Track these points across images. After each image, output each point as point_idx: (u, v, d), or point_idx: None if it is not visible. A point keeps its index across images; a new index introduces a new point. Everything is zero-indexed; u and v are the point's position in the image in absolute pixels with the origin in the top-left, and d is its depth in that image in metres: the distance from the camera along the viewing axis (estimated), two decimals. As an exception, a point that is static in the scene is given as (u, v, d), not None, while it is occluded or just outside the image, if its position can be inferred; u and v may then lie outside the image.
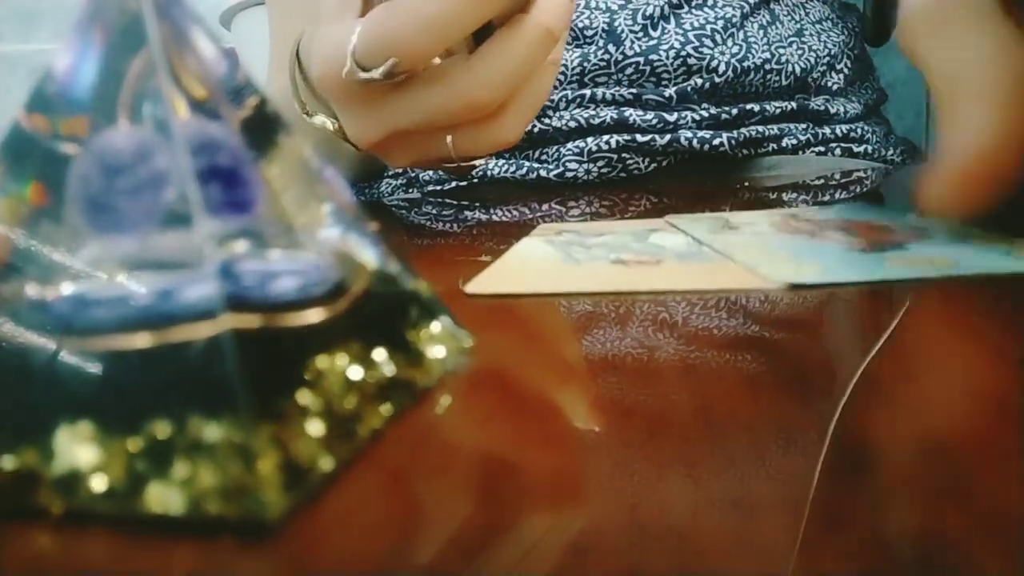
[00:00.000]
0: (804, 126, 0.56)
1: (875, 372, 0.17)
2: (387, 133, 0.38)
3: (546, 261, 0.29)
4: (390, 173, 0.62)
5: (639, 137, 0.53)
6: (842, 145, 0.57)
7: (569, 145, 0.54)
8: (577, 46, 0.56)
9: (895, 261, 0.24)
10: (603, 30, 0.55)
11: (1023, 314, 0.20)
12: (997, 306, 0.21)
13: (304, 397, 0.13)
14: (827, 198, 0.43)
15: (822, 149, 0.56)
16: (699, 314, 0.21)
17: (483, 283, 0.25)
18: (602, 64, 0.54)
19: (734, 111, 0.54)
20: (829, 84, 0.58)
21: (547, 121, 0.55)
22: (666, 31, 0.53)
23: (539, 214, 0.43)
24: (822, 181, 0.50)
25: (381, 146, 0.40)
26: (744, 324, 0.21)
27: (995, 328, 0.20)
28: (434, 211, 0.50)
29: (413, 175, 0.59)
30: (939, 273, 0.23)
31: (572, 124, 0.54)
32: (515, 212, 0.44)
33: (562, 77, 0.55)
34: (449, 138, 0.38)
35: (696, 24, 0.54)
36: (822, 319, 0.21)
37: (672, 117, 0.53)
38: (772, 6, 0.58)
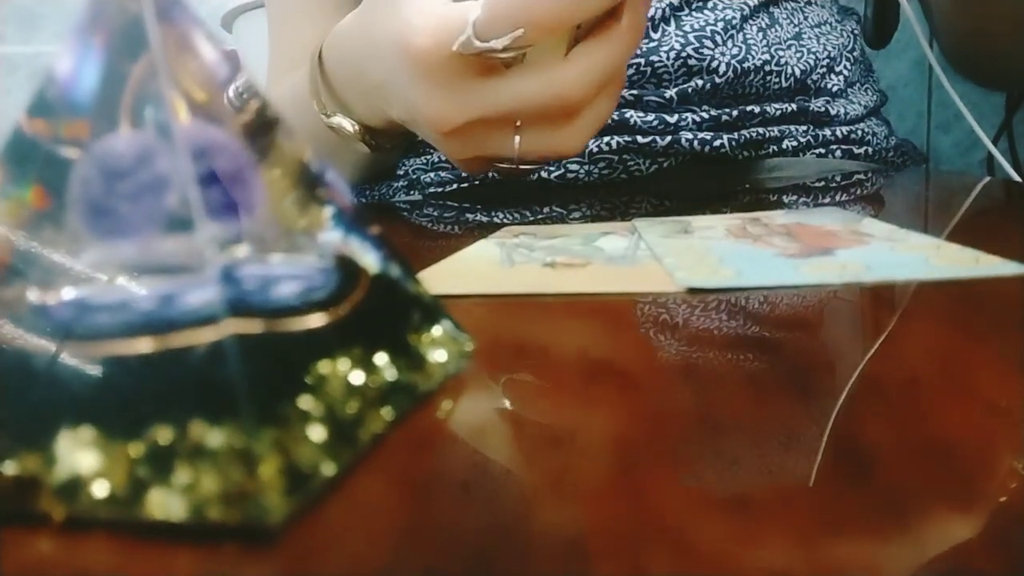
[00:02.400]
0: (804, 128, 0.56)
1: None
2: (472, 118, 0.39)
3: (484, 263, 0.29)
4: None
5: (640, 138, 0.53)
6: (842, 147, 0.57)
7: (570, 147, 0.54)
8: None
9: (809, 267, 0.25)
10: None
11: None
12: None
13: (306, 402, 0.13)
14: (827, 200, 0.43)
15: (823, 151, 0.56)
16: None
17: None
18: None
19: (735, 113, 0.54)
20: (829, 86, 0.58)
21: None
22: (667, 33, 0.53)
23: (540, 216, 0.43)
24: (823, 183, 0.50)
25: (454, 133, 0.40)
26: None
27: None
28: (435, 213, 0.50)
29: (414, 177, 0.59)
30: (842, 280, 0.23)
31: (573, 126, 0.54)
32: (516, 214, 0.44)
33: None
34: (517, 138, 0.39)
35: (696, 26, 0.54)
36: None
37: (673, 119, 0.53)
38: (771, 9, 0.58)
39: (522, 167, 0.41)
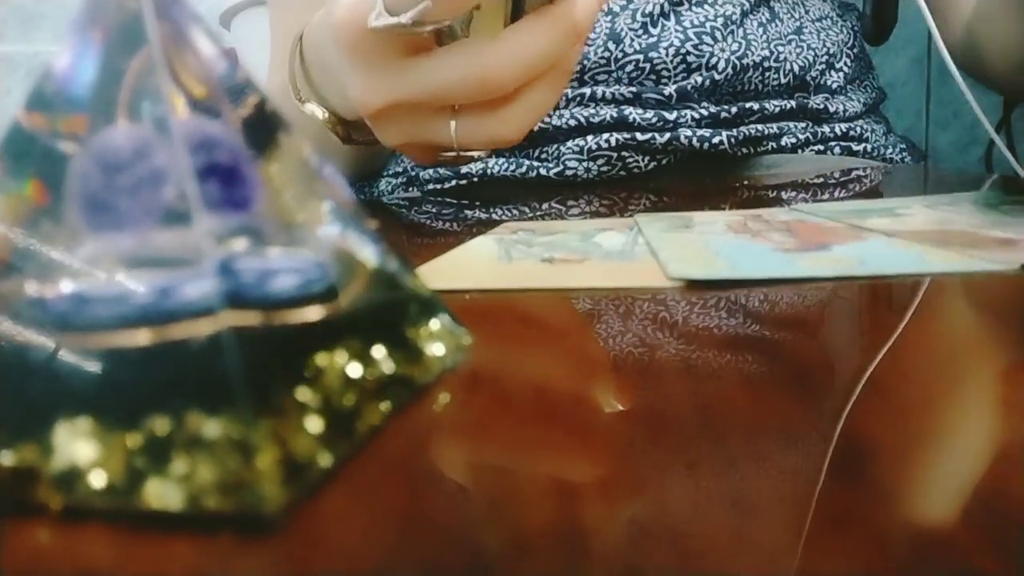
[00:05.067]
0: (803, 125, 0.56)
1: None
2: (393, 100, 0.38)
3: (482, 259, 0.29)
4: (389, 172, 0.62)
5: (639, 135, 0.53)
6: (841, 144, 0.57)
7: (569, 144, 0.54)
8: (577, 45, 0.56)
9: (805, 261, 0.25)
10: (605, 33, 0.55)
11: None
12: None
13: (303, 394, 0.13)
14: (826, 196, 0.43)
15: (821, 148, 0.56)
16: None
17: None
18: (602, 62, 0.54)
19: (734, 109, 0.54)
20: (828, 83, 0.58)
21: (547, 120, 0.55)
22: (666, 28, 0.53)
23: (539, 213, 0.43)
24: (821, 180, 0.50)
25: (380, 116, 0.39)
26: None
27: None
28: (434, 210, 0.50)
29: (413, 174, 0.59)
30: (835, 273, 0.23)
31: (572, 123, 0.54)
32: (515, 211, 0.44)
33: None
34: (453, 123, 0.38)
35: (696, 21, 0.54)
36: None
37: (672, 115, 0.53)
38: (772, 4, 0.58)
39: (463, 155, 0.40)
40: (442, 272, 0.28)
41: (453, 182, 0.57)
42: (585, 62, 0.55)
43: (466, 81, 0.36)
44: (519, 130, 0.39)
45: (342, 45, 0.38)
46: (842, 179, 0.50)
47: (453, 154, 0.40)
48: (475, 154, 0.41)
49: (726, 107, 0.54)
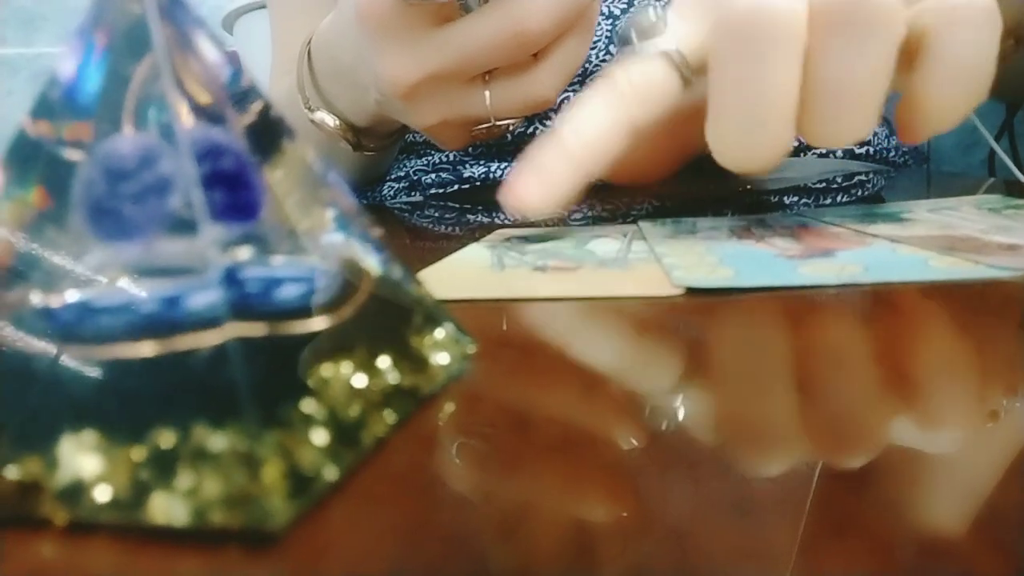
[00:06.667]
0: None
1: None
2: (427, 72, 0.37)
3: (473, 267, 0.29)
4: (392, 176, 0.62)
5: (641, 140, 0.52)
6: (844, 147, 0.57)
7: (571, 148, 0.54)
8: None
9: (807, 268, 0.25)
10: (607, 37, 0.55)
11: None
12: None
13: (308, 405, 0.13)
14: (829, 201, 0.43)
15: (824, 151, 0.56)
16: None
17: None
18: (604, 65, 0.54)
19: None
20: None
21: (549, 124, 0.55)
22: (668, 33, 0.53)
23: (540, 217, 0.43)
24: (824, 184, 0.50)
25: (413, 94, 0.38)
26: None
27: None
28: (436, 214, 0.50)
29: (416, 178, 0.59)
30: (839, 281, 0.23)
31: (574, 127, 0.54)
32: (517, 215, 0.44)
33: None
34: (487, 92, 0.38)
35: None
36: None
37: (675, 119, 0.53)
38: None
39: (499, 124, 0.40)
40: (433, 281, 0.27)
41: (456, 186, 0.57)
42: (587, 66, 0.55)
43: (501, 39, 0.35)
44: (554, 89, 0.38)
45: (369, 26, 0.37)
46: (844, 183, 0.50)
47: (487, 126, 0.40)
48: (510, 123, 0.40)
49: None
